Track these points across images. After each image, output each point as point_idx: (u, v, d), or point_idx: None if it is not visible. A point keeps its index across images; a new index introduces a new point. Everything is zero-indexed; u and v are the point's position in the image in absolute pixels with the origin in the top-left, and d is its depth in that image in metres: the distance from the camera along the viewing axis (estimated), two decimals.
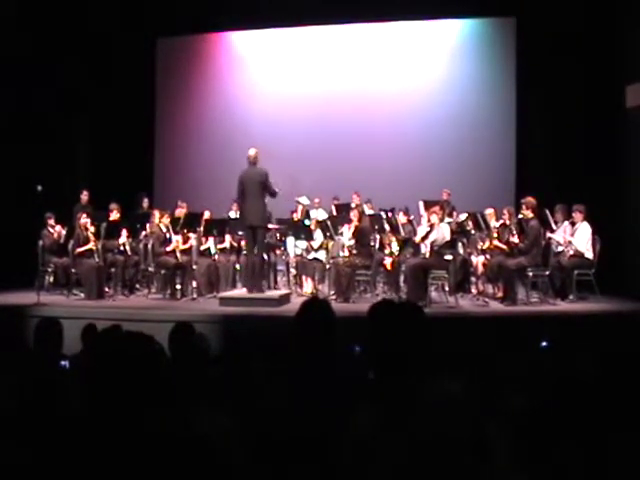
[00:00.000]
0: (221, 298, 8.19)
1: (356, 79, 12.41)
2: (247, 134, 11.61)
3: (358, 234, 8.77)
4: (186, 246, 9.10)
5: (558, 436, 2.10)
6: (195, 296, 8.71)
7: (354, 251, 8.76)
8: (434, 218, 8.26)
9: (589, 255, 8.25)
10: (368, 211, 9.99)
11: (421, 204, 9.53)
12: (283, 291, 8.88)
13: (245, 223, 8.30)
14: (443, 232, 8.20)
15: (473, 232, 9.06)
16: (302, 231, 9.31)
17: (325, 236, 9.17)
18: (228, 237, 9.80)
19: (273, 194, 8.17)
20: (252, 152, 8.17)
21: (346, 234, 9.05)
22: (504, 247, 8.31)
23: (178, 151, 12.96)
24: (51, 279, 9.17)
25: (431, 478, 1.70)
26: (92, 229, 8.89)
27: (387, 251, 8.87)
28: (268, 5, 11.49)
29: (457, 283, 8.54)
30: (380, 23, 12.32)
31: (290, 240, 9.73)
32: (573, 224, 8.42)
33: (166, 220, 8.98)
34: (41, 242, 9.07)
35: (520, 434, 2.30)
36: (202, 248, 9.51)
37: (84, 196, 10.72)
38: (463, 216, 9.33)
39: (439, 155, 11.73)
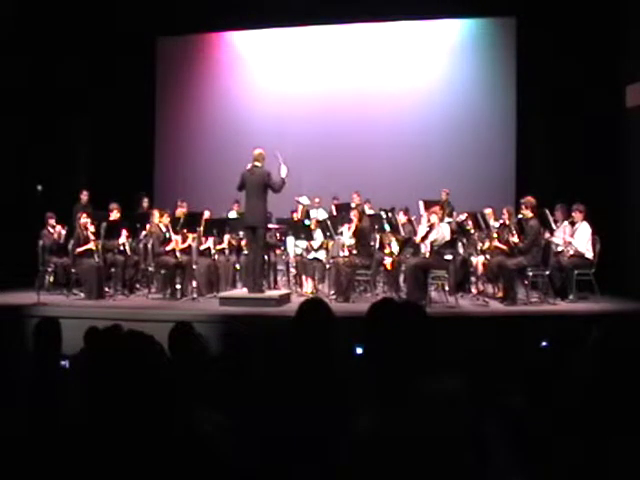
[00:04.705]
0: (221, 298, 8.19)
1: (356, 79, 12.42)
2: (247, 134, 11.63)
3: (358, 234, 8.77)
4: (184, 245, 9.10)
5: (557, 436, 2.10)
6: (195, 296, 8.71)
7: (354, 251, 8.75)
8: (434, 218, 8.26)
9: (589, 255, 8.25)
10: (368, 211, 9.99)
11: (421, 204, 9.53)
12: (283, 291, 8.87)
13: (245, 223, 8.29)
14: (443, 232, 8.20)
15: (473, 232, 9.06)
16: (302, 231, 9.31)
17: (325, 236, 9.17)
18: (226, 237, 9.79)
19: (278, 189, 8.00)
20: (256, 152, 8.13)
21: (346, 234, 9.05)
22: (504, 247, 8.31)
23: (178, 151, 12.97)
24: (51, 279, 9.17)
25: (431, 478, 1.70)
26: (92, 229, 8.89)
27: (387, 251, 8.87)
28: (268, 5, 11.49)
29: (457, 283, 8.53)
30: (380, 23, 12.33)
31: (290, 240, 9.73)
32: (573, 224, 8.42)
33: (166, 220, 8.98)
34: (41, 242, 9.08)
35: (519, 434, 2.30)
36: (202, 248, 9.51)
37: (84, 196, 10.73)
38: (463, 216, 9.33)
39: (439, 155, 11.74)
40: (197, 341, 3.74)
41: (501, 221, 8.82)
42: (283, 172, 8.06)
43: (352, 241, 8.81)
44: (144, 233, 9.46)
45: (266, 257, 8.95)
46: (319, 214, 10.34)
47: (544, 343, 3.81)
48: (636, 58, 9.17)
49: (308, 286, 9.30)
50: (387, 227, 9.05)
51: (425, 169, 11.64)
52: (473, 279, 9.20)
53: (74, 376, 3.36)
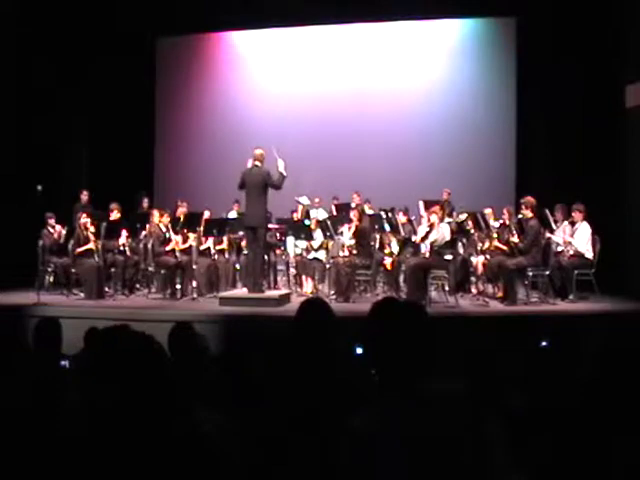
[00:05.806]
0: (221, 298, 8.18)
1: (356, 79, 12.42)
2: (247, 134, 11.63)
3: (358, 234, 8.77)
4: (185, 245, 9.10)
5: (558, 436, 2.10)
6: (195, 296, 8.71)
7: (354, 251, 8.75)
8: (434, 218, 8.26)
9: (589, 255, 8.25)
10: (368, 211, 9.99)
11: (421, 204, 9.53)
12: (283, 291, 8.87)
13: (245, 223, 8.30)
14: (443, 232, 8.20)
15: (473, 232, 9.07)
16: (302, 231, 9.31)
17: (325, 236, 9.17)
18: (226, 239, 9.78)
19: (279, 185, 7.96)
20: (257, 152, 8.12)
21: (346, 234, 9.05)
22: (504, 247, 8.31)
23: (178, 151, 12.97)
24: (51, 279, 9.17)
25: (430, 478, 1.70)
26: (92, 229, 8.89)
27: (387, 251, 8.88)
28: (268, 5, 11.49)
29: (457, 283, 8.53)
30: (380, 23, 12.34)
31: (290, 240, 9.73)
32: (573, 224, 8.42)
33: (166, 220, 8.99)
34: (41, 242, 9.07)
35: (520, 434, 2.30)
36: (202, 248, 9.51)
37: (84, 196, 10.73)
38: (463, 216, 9.33)
39: (439, 155, 11.74)
40: (197, 341, 3.74)
41: (501, 221, 8.83)
42: (280, 166, 8.00)
43: (352, 241, 8.82)
44: (144, 233, 9.46)
45: (266, 257, 8.95)
46: (319, 214, 10.34)
47: (544, 343, 3.82)
48: (636, 58, 9.17)
49: (308, 286, 9.30)
50: (387, 227, 9.05)
51: (425, 169, 11.65)
52: (473, 279, 9.20)
53: (74, 376, 3.36)
